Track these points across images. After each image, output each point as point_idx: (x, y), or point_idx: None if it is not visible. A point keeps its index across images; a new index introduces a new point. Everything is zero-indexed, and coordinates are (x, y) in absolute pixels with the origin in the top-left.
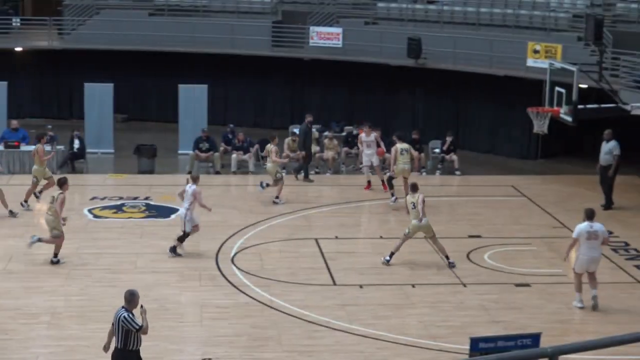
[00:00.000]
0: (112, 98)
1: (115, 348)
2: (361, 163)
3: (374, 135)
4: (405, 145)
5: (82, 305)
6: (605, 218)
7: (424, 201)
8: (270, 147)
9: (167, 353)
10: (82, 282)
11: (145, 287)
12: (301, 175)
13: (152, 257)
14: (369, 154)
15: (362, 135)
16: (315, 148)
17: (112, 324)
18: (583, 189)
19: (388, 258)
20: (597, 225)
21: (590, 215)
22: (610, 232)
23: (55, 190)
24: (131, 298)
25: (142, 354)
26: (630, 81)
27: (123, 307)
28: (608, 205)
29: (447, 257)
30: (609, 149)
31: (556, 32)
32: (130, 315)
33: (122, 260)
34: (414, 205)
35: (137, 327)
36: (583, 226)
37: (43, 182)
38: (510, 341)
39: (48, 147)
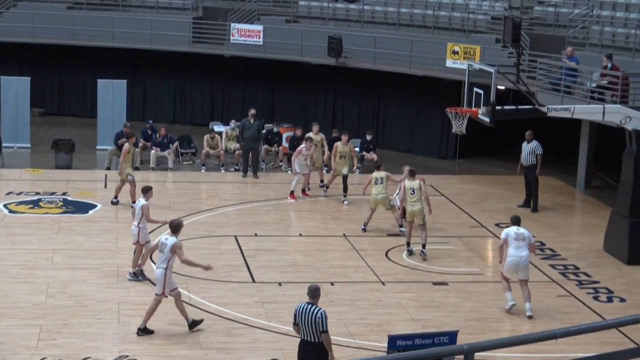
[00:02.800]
0: (28, 92)
1: (310, 342)
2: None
3: (349, 145)
4: (415, 183)
5: None
6: (522, 218)
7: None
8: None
9: (84, 350)
10: None
11: (62, 283)
12: (250, 173)
13: (69, 253)
14: (303, 165)
15: (339, 144)
16: (235, 145)
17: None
18: (500, 189)
19: (409, 249)
20: (523, 229)
21: (516, 222)
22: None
23: None
24: (315, 293)
25: (58, 351)
26: (547, 83)
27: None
28: (528, 204)
29: (423, 246)
30: (531, 149)
31: (475, 34)
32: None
33: (38, 257)
34: (413, 190)
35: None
36: (510, 229)
37: None
38: (427, 339)
39: None
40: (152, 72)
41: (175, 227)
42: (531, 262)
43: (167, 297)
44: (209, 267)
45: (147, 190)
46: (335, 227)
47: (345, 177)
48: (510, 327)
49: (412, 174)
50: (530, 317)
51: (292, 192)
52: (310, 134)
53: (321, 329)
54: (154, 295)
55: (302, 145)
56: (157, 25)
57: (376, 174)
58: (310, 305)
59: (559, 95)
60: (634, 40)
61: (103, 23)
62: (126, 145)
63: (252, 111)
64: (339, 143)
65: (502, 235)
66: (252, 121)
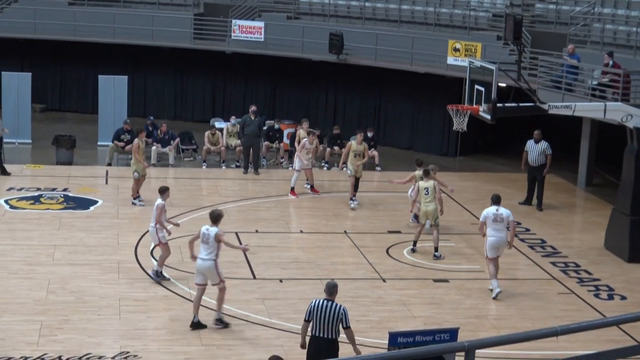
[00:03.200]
0: (30, 88)
1: (325, 338)
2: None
3: (364, 144)
4: (429, 184)
5: None
6: (522, 215)
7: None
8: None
9: (85, 346)
10: None
11: (63, 279)
12: (251, 169)
13: (70, 249)
14: (305, 160)
15: (307, 142)
16: (236, 141)
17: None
18: (501, 186)
19: (437, 254)
20: (502, 210)
21: (496, 201)
22: (528, 229)
23: None
24: (334, 290)
25: (59, 347)
26: (548, 81)
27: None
28: (529, 202)
29: (435, 249)
30: (542, 149)
31: (476, 31)
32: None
33: (39, 252)
34: (427, 190)
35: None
36: (489, 210)
37: None
38: (428, 336)
39: None
40: (153, 69)
41: (216, 218)
42: (531, 260)
43: (223, 282)
44: (246, 248)
45: (164, 191)
46: (336, 224)
47: (358, 178)
48: (510, 324)
49: (426, 174)
50: (496, 295)
51: (292, 189)
52: (300, 131)
53: (344, 325)
54: (215, 287)
55: (305, 139)
56: (159, 22)
57: (423, 184)
58: (328, 302)
59: (560, 92)
60: (635, 38)
61: (104, 19)
62: (135, 141)
63: (253, 108)
64: (353, 142)
65: (481, 218)
66: (252, 118)
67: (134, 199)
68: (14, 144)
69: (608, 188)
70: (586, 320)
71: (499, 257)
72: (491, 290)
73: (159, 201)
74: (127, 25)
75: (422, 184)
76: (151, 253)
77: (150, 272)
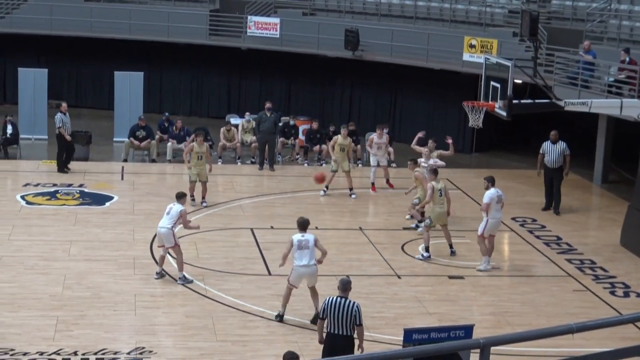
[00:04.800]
0: (46, 83)
1: (341, 336)
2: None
3: (385, 137)
4: (441, 185)
5: (14, 293)
6: (538, 212)
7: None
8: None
9: (100, 341)
10: (14, 269)
11: (79, 275)
12: (266, 165)
13: (86, 244)
14: (379, 155)
15: (375, 137)
16: (251, 138)
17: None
18: (516, 182)
19: (427, 254)
20: (501, 192)
21: (493, 182)
22: (544, 226)
23: None
24: (347, 286)
25: (75, 342)
26: (564, 77)
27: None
28: (551, 205)
29: (451, 245)
30: (560, 150)
31: (492, 27)
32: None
33: (55, 248)
34: (441, 192)
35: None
36: (492, 192)
37: None
38: (443, 332)
39: None
40: (169, 65)
41: (180, 196)
42: (547, 257)
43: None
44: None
45: (182, 196)
46: (351, 220)
47: (348, 173)
48: (525, 322)
49: (434, 173)
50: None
51: (372, 184)
52: (339, 137)
53: (357, 322)
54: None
55: (373, 134)
56: (174, 18)
57: (438, 185)
58: (342, 299)
59: (576, 89)
60: None
61: (120, 15)
62: (189, 144)
63: (268, 104)
64: (339, 136)
65: (486, 200)
66: (268, 114)
67: (192, 199)
68: (31, 139)
69: (624, 185)
70: (602, 318)
71: (493, 237)
72: (480, 270)
73: (181, 207)
74: (143, 22)
75: (436, 185)
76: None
77: (178, 281)
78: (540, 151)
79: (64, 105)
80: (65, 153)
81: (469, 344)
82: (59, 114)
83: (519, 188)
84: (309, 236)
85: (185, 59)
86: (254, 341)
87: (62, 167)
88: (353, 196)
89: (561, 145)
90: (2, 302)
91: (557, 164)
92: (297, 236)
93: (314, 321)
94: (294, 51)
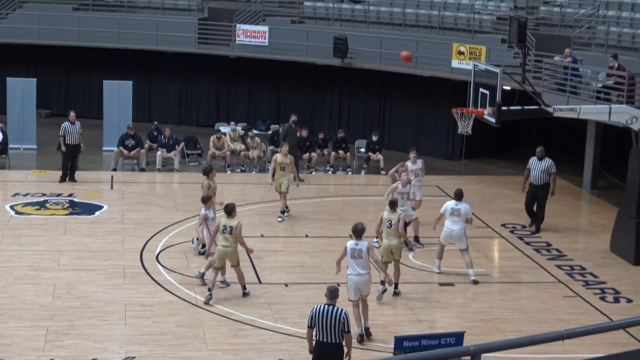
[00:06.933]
0: (35, 93)
1: (330, 344)
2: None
3: (420, 162)
4: (393, 215)
5: (3, 304)
6: (527, 218)
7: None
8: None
9: (90, 351)
10: (3, 279)
11: (68, 284)
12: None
13: (76, 254)
14: (417, 186)
15: (409, 163)
16: (240, 146)
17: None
18: (506, 189)
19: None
20: (462, 205)
21: (457, 197)
22: (533, 233)
23: None
24: (335, 294)
25: (65, 352)
26: (553, 83)
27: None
28: (537, 226)
29: (395, 286)
30: (545, 167)
31: (480, 34)
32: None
33: (45, 258)
34: (390, 223)
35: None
36: (450, 203)
37: None
38: (433, 340)
39: None
40: (158, 73)
41: (359, 232)
42: (537, 263)
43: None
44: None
45: (207, 200)
46: (341, 228)
47: (284, 195)
48: (516, 328)
49: (392, 205)
50: (475, 282)
51: (416, 237)
52: (278, 156)
53: (345, 330)
54: None
55: (397, 183)
56: (163, 26)
57: (386, 214)
58: (330, 307)
59: (564, 95)
60: (639, 40)
61: (109, 24)
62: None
63: (294, 117)
64: (278, 155)
65: (441, 210)
66: (293, 127)
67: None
68: (20, 149)
69: (613, 190)
70: (592, 324)
71: (465, 249)
72: (437, 272)
73: (203, 211)
74: (132, 31)
75: (386, 214)
76: (157, 257)
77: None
78: (527, 166)
79: (72, 114)
80: (70, 162)
81: (460, 351)
82: (65, 122)
83: (509, 194)
84: (362, 244)
85: (174, 68)
86: (245, 350)
87: (70, 177)
88: (279, 219)
89: (547, 162)
90: None
91: (542, 181)
92: (351, 243)
93: (360, 340)
94: (283, 59)
